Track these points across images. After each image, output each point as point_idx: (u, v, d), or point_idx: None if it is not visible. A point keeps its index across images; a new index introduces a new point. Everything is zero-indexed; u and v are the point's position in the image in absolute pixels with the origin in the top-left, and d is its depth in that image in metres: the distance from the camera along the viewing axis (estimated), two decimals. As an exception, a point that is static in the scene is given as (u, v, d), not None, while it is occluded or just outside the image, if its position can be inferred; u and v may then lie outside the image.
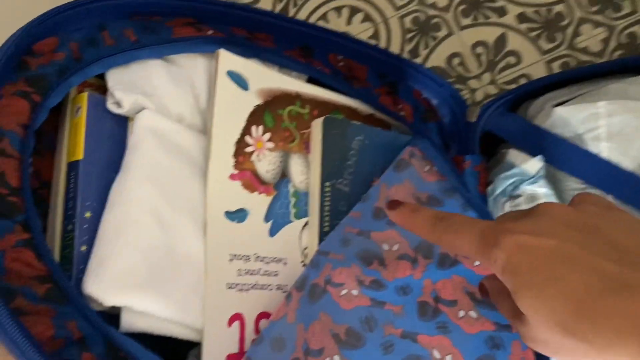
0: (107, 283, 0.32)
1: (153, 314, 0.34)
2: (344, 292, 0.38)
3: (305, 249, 0.43)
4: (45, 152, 0.38)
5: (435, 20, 0.68)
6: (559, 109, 0.46)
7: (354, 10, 0.71)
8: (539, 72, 0.66)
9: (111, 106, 0.37)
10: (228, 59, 0.41)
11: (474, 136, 0.51)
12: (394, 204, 0.31)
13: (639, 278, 0.21)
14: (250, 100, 0.42)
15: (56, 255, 0.35)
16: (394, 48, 0.67)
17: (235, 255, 0.38)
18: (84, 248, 0.34)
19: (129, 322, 0.33)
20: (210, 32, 0.42)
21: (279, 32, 0.46)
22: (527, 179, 0.45)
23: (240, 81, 0.41)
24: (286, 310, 0.38)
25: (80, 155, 0.35)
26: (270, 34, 0.46)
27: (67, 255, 0.34)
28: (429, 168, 0.45)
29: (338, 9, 0.72)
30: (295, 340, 0.37)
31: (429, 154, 0.45)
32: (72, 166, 0.35)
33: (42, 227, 0.32)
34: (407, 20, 0.69)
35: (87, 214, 0.34)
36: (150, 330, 0.34)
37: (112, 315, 0.34)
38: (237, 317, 0.37)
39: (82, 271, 0.34)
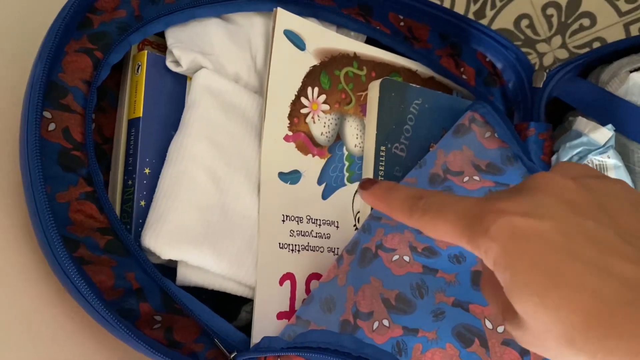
0: (164, 237, 0.33)
1: (207, 269, 0.35)
2: (395, 257, 0.38)
3: (358, 213, 0.42)
4: (109, 109, 0.39)
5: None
6: (636, 75, 0.43)
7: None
8: (615, 35, 0.61)
9: (170, 64, 0.38)
10: (285, 18, 0.40)
11: (539, 102, 0.49)
12: (367, 184, 0.27)
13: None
14: (307, 61, 0.41)
15: (117, 209, 0.36)
16: (459, 8, 0.64)
17: (287, 216, 0.38)
18: (142, 203, 0.35)
19: (184, 275, 0.34)
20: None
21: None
22: (595, 148, 0.42)
23: (297, 41, 0.41)
24: (337, 272, 0.38)
25: (139, 112, 0.36)
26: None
27: (127, 209, 0.36)
28: (490, 134, 0.43)
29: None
30: (345, 302, 0.37)
31: (490, 119, 0.43)
32: (132, 123, 0.36)
33: (104, 182, 0.33)
34: (474, -22, 0.65)
35: (147, 170, 0.35)
36: (204, 284, 0.35)
37: (169, 268, 0.36)
38: (288, 276, 0.37)
39: (140, 225, 0.35)
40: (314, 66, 0.41)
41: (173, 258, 0.34)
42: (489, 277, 0.24)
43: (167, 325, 0.34)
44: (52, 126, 0.32)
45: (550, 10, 0.63)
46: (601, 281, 0.18)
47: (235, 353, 0.34)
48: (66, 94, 0.33)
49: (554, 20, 0.62)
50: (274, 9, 0.40)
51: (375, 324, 0.36)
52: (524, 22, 0.63)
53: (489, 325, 0.37)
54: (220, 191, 0.36)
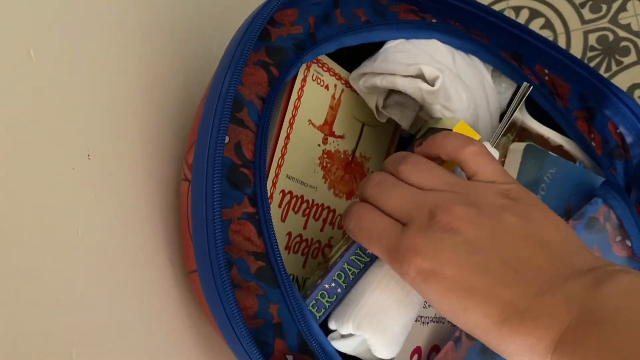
0: (385, 335, 0.31)
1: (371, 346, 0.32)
2: None
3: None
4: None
5: (624, 43, 0.63)
6: None
7: (533, 14, 0.67)
8: None
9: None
10: None
11: (666, 186, 0.47)
12: None
13: (527, 304, 0.24)
14: None
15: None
16: (574, 64, 0.63)
17: None
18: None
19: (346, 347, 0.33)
20: (431, 20, 0.41)
21: (492, 31, 0.44)
22: None
23: None
24: (453, 356, 0.36)
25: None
26: (483, 32, 0.44)
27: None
28: (621, 239, 0.42)
29: (517, 9, 0.68)
30: None
31: (626, 223, 0.41)
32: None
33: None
34: (592, 37, 0.64)
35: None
36: (353, 353, 0.33)
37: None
38: (417, 350, 0.36)
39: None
40: None
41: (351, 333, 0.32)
42: None
43: (298, 367, 0.32)
44: (226, 139, 0.30)
45: (668, 85, 0.61)
46: (490, 308, 0.25)
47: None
48: (242, 107, 0.31)
49: (671, 96, 0.61)
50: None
51: None
52: (638, 92, 0.62)
53: None
54: None
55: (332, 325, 0.33)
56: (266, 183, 0.31)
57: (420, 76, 0.37)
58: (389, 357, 0.32)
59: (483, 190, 0.28)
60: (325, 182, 0.40)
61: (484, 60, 0.43)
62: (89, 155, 0.27)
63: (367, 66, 0.38)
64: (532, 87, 0.39)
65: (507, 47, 0.45)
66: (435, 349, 0.38)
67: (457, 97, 0.37)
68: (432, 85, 0.36)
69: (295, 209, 0.38)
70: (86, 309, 0.26)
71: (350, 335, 0.32)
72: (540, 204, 0.29)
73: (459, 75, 0.39)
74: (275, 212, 0.37)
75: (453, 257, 0.26)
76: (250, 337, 0.29)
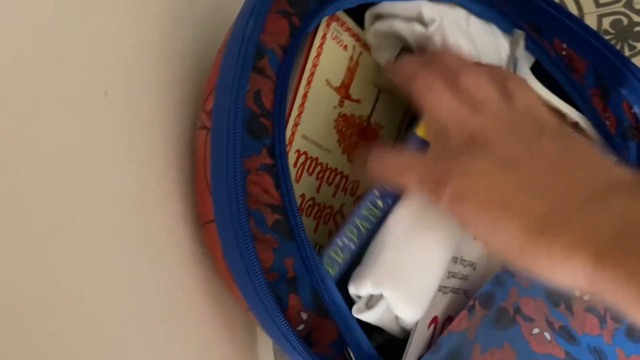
0: (405, 292, 0.30)
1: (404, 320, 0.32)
2: (535, 330, 0.35)
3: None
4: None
5: (638, 28, 0.62)
6: None
7: (548, -4, 0.66)
8: None
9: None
10: None
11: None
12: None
13: (565, 217, 0.24)
14: None
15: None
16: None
17: (454, 257, 0.36)
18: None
19: (373, 317, 0.32)
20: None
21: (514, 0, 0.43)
22: None
23: None
24: (468, 325, 0.35)
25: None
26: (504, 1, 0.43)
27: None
28: None
29: (530, -9, 0.67)
30: (469, 358, 0.34)
31: None
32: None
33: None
34: (607, 20, 0.63)
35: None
36: (376, 323, 0.32)
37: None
38: (435, 320, 0.35)
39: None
40: None
41: (399, 315, 0.31)
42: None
43: (311, 327, 0.31)
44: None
45: (681, 72, 0.61)
46: (525, 222, 0.25)
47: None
48: (263, 55, 0.30)
49: (683, 82, 0.61)
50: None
51: None
52: (651, 77, 0.61)
53: None
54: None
55: (351, 290, 0.32)
56: (285, 135, 0.30)
57: (420, 19, 0.36)
58: (412, 319, 0.32)
59: (525, 114, 0.28)
60: (339, 146, 0.40)
61: (503, 29, 0.42)
62: (106, 93, 0.26)
63: (376, 8, 0.37)
64: (525, 33, 0.39)
65: (527, 18, 0.44)
66: (449, 319, 0.37)
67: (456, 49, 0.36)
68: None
69: (310, 171, 0.38)
70: (97, 253, 0.25)
71: (373, 304, 0.32)
72: (574, 134, 0.29)
73: (469, 36, 0.38)
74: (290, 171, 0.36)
75: (488, 174, 0.26)
76: (268, 288, 0.28)
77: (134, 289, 0.27)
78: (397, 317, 0.32)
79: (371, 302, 0.32)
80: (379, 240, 0.32)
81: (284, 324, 0.29)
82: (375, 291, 0.30)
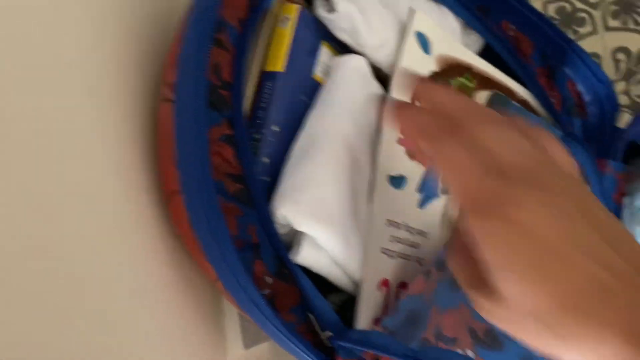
0: (303, 208, 0.32)
1: (328, 251, 0.34)
2: None
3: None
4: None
5: (580, 14, 0.66)
6: None
7: (497, -16, 0.69)
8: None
9: (320, 9, 0.36)
10: (421, 20, 0.40)
11: (619, 143, 0.50)
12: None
13: (620, 285, 0.21)
14: (429, 66, 0.41)
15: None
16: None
17: (389, 221, 0.37)
18: (266, 159, 0.33)
19: (302, 252, 0.33)
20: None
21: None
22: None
23: (425, 44, 0.41)
24: (424, 288, 0.37)
25: (279, 67, 0.34)
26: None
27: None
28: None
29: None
30: (427, 319, 0.36)
31: (579, 159, 0.43)
32: (268, 76, 0.34)
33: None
34: (551, 7, 0.66)
35: (275, 128, 0.34)
36: (314, 266, 0.34)
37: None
38: (385, 282, 0.37)
39: (261, 182, 0.33)
40: (434, 72, 0.41)
41: (306, 231, 0.32)
42: (462, 248, 0.26)
43: (275, 292, 0.32)
44: (205, 60, 0.30)
45: (620, 55, 0.64)
46: (579, 279, 0.21)
47: (331, 334, 0.33)
48: (221, 29, 0.31)
49: (622, 65, 0.64)
50: (412, 11, 0.40)
51: (459, 351, 0.35)
52: (593, 61, 0.64)
53: None
54: (357, 175, 0.35)
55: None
56: (242, 106, 0.31)
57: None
58: (323, 237, 0.33)
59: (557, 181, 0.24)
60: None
61: (456, 13, 0.44)
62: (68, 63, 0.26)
63: None
64: (416, 11, 0.40)
65: (475, 2, 0.46)
66: (403, 285, 0.38)
67: (366, 31, 0.37)
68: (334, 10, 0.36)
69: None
70: (58, 229, 0.25)
71: (299, 239, 0.33)
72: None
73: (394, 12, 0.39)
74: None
75: (549, 218, 0.22)
76: (237, 255, 0.29)
77: (98, 264, 0.27)
78: (335, 263, 0.34)
79: (297, 238, 0.34)
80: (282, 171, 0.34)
81: (253, 289, 0.30)
82: (279, 216, 0.32)
